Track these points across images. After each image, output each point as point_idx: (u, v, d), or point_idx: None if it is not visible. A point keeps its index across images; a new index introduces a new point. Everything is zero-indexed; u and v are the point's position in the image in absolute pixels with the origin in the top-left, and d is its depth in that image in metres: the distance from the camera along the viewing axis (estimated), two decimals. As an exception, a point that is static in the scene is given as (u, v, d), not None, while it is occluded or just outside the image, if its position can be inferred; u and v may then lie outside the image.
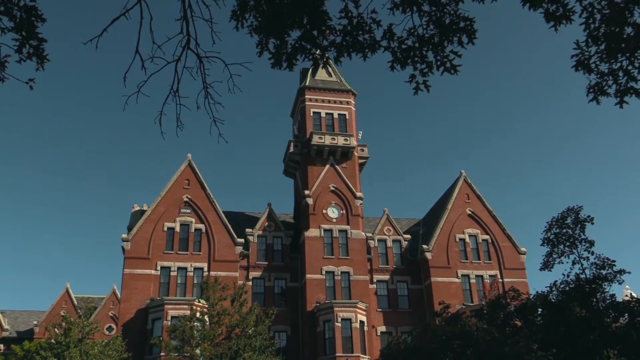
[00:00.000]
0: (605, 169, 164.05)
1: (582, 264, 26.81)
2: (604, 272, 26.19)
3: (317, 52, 7.07)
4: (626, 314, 25.70)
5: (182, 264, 48.11)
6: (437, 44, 6.88)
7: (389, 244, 54.20)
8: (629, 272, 26.50)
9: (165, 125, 8.10)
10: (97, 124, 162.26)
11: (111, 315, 65.37)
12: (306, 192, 52.66)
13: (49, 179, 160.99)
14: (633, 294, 43.70)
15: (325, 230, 51.61)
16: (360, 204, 53.43)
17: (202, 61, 7.60)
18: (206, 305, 41.16)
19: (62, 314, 52.66)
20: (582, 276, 26.38)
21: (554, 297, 26.66)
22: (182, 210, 50.14)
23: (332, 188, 53.22)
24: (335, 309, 46.28)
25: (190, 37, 7.46)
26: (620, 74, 7.25)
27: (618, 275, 26.16)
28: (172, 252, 48.38)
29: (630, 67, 7.19)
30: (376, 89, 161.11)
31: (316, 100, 57.07)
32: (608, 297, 25.92)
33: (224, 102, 7.75)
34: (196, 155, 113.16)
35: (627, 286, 62.08)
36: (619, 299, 26.81)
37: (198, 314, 40.70)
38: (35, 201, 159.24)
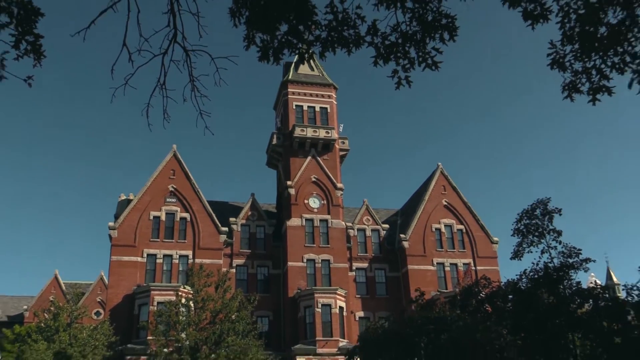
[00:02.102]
0: (574, 160, 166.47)
1: (550, 253, 27.10)
2: (570, 260, 26.51)
3: (303, 47, 6.97)
4: (590, 300, 26.09)
5: (167, 252, 47.87)
6: (420, 41, 6.81)
7: (368, 233, 54.41)
8: (594, 261, 26.86)
9: (151, 117, 7.94)
10: (85, 114, 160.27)
11: (99, 300, 64.85)
12: (288, 182, 52.59)
13: (38, 168, 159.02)
14: (597, 281, 44.42)
15: (306, 219, 51.63)
16: (341, 194, 53.51)
17: (189, 54, 7.47)
18: (191, 292, 40.98)
19: (51, 299, 52.12)
20: (550, 265, 26.67)
21: (524, 285, 26.94)
22: (167, 200, 49.83)
23: (313, 179, 53.21)
24: (316, 295, 46.42)
25: (177, 30, 7.32)
26: (594, 72, 7.26)
27: (584, 264, 26.50)
28: (158, 240, 48.09)
29: (603, 66, 7.20)
30: (357, 83, 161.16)
31: (299, 94, 56.88)
32: (574, 285, 26.25)
33: (210, 94, 7.63)
34: (181, 146, 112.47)
35: (592, 274, 63.20)
36: (584, 286, 27.17)
37: (183, 300, 40.54)
38: (25, 189, 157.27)
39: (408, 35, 6.88)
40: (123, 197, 51.57)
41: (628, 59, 7.09)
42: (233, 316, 38.14)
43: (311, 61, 57.04)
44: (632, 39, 7.05)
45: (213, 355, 36.77)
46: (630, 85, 7.12)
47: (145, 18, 7.25)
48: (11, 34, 6.98)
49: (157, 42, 7.35)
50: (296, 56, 7.31)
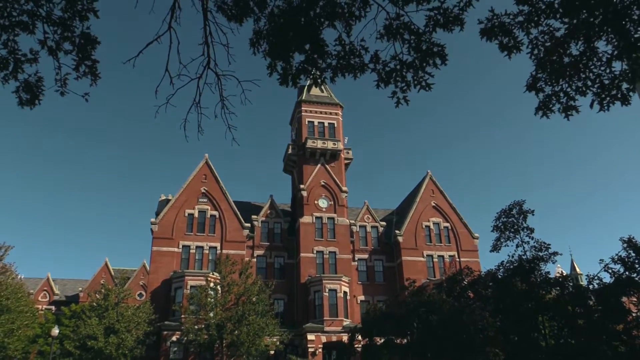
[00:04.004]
0: (546, 169, 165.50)
1: (524, 247, 26.91)
2: (541, 253, 26.31)
3: (316, 73, 7.02)
4: (557, 288, 25.88)
5: (199, 244, 47.97)
6: (417, 67, 6.85)
7: (368, 229, 54.24)
8: (561, 254, 26.70)
9: (188, 131, 8.02)
10: (133, 129, 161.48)
11: (142, 284, 65.02)
12: (301, 186, 52.60)
13: (94, 174, 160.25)
14: (563, 271, 44.08)
15: (316, 217, 51.58)
16: (345, 196, 53.43)
17: (220, 78, 7.54)
18: (219, 277, 41.08)
19: (102, 282, 52.41)
20: (524, 257, 26.49)
21: (501, 274, 26.76)
22: (200, 200, 49.97)
23: (322, 183, 53.18)
24: (324, 281, 46.32)
25: (210, 58, 7.40)
26: (562, 95, 7.26)
27: (552, 256, 26.29)
28: (192, 233, 48.22)
29: (569, 90, 7.21)
30: (360, 103, 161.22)
31: (310, 112, 56.91)
32: (543, 274, 26.04)
33: (237, 111, 7.71)
34: (212, 155, 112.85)
35: (558, 265, 62.67)
36: (552, 275, 26.94)
37: (212, 284, 40.64)
38: (85, 191, 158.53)
39: (406, 62, 6.93)
40: (163, 197, 51.82)
41: (589, 83, 7.10)
42: (254, 299, 38.18)
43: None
44: (592, 67, 7.07)
45: (236, 332, 36.80)
46: (591, 105, 7.14)
47: (183, 48, 7.38)
48: (73, 59, 7.11)
49: (194, 68, 7.45)
50: (309, 80, 7.36)
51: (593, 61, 7.00)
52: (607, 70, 7.04)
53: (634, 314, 24.44)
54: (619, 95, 6.94)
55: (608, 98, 6.93)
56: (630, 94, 6.96)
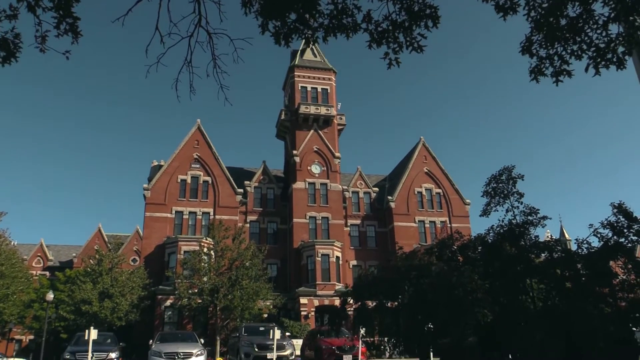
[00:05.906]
0: (538, 135, 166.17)
1: (513, 212, 27.18)
2: (530, 218, 26.61)
3: (309, 33, 6.92)
4: (546, 252, 26.30)
5: (192, 209, 48.12)
6: (407, 28, 6.75)
7: (361, 195, 54.56)
8: (550, 218, 26.98)
9: (179, 91, 7.91)
10: (124, 92, 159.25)
11: (135, 249, 65.54)
12: (294, 152, 52.51)
13: (86, 139, 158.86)
14: (552, 236, 44.71)
15: (309, 183, 51.73)
16: (338, 162, 53.46)
17: (212, 37, 7.39)
18: (212, 243, 41.37)
19: (96, 247, 52.68)
20: (514, 221, 26.79)
21: (491, 238, 27.11)
22: (192, 166, 49.86)
23: (315, 149, 53.10)
24: (317, 246, 46.84)
25: (201, 16, 7.23)
26: (556, 58, 7.20)
27: (541, 221, 26.61)
28: (185, 199, 48.31)
29: (563, 53, 7.15)
30: (353, 69, 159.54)
31: (303, 77, 56.29)
32: (533, 238, 26.39)
33: (230, 78, 7.57)
34: (204, 121, 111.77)
35: (547, 230, 63.59)
36: (541, 239, 27.30)
37: (205, 250, 40.96)
38: (78, 157, 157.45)
39: (397, 23, 6.82)
40: (155, 163, 51.62)
41: (585, 47, 7.03)
42: (247, 263, 38.59)
43: (314, 49, 56.27)
44: (588, 30, 6.98)
45: (230, 296, 37.31)
46: (586, 69, 7.08)
47: (174, 6, 7.18)
48: (53, 17, 6.90)
49: (185, 26, 7.27)
50: (302, 42, 7.23)
51: (589, 24, 6.92)
52: (603, 34, 6.96)
53: (619, 277, 24.99)
54: (614, 59, 6.88)
55: (603, 62, 6.87)
56: (626, 57, 6.90)
